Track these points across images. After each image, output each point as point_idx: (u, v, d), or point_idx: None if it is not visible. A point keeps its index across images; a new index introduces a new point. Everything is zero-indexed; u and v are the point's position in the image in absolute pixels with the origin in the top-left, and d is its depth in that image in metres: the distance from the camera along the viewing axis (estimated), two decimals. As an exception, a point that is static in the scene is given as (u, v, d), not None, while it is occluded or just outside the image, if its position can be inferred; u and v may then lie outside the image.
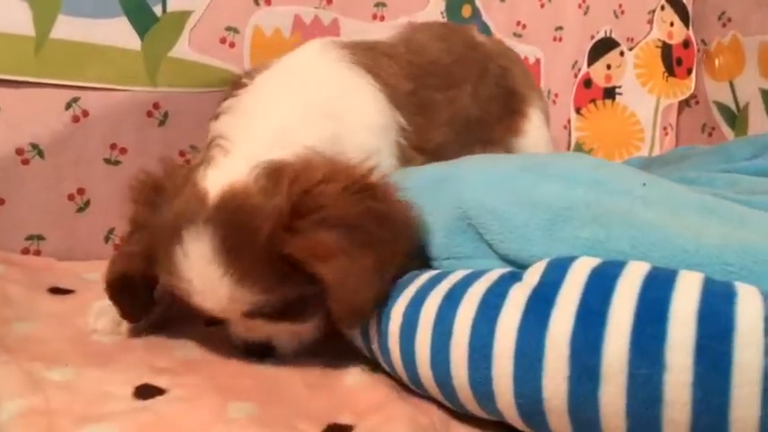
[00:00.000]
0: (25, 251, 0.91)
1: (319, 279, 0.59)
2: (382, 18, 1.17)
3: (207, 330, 0.74)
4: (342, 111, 0.77)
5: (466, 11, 1.27)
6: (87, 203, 0.94)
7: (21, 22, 0.86)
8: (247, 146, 0.67)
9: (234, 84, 0.80)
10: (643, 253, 0.55)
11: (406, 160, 0.83)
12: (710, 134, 1.61)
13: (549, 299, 0.50)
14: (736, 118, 1.55)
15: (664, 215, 0.58)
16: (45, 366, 0.61)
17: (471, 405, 0.55)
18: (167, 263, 0.62)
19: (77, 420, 0.52)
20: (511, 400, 0.51)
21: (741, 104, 1.54)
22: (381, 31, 0.94)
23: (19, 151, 0.89)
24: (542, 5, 1.38)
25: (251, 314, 0.64)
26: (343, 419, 0.57)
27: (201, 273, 0.61)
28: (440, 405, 0.59)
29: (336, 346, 0.69)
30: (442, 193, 0.69)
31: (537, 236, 0.59)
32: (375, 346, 0.63)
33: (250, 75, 0.80)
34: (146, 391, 0.58)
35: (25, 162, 0.89)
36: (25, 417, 0.52)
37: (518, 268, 0.61)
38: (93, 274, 0.88)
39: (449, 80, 0.92)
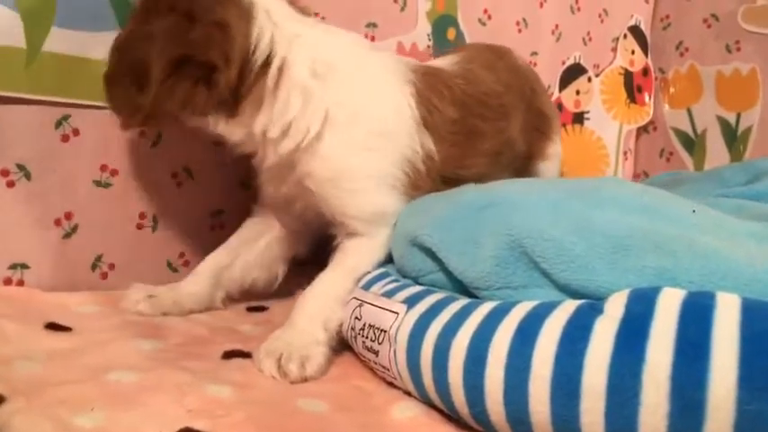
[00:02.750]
0: (7, 281, 0.83)
1: None
2: (372, 39, 1.15)
3: (237, 363, 0.70)
4: (351, 96, 0.80)
5: (450, 34, 1.27)
6: (75, 228, 0.87)
7: (11, 33, 0.79)
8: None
9: None
10: (713, 283, 0.55)
11: (414, 186, 0.82)
12: (668, 159, 1.67)
13: (641, 332, 0.49)
14: (694, 144, 1.61)
15: (722, 242, 0.58)
16: (70, 412, 0.56)
17: (552, 443, 0.52)
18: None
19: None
20: (603, 438, 0.49)
21: (699, 131, 1.60)
22: (443, 60, 0.97)
23: (4, 173, 0.81)
24: (520, 31, 1.39)
25: None
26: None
27: None
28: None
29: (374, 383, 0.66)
30: (487, 220, 0.67)
31: (600, 265, 0.58)
32: (429, 384, 0.60)
33: None
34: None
35: (11, 184, 0.82)
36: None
37: (580, 298, 0.59)
38: (87, 306, 0.82)
39: (499, 110, 0.93)
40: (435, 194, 0.80)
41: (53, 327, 0.74)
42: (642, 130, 1.71)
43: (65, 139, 0.85)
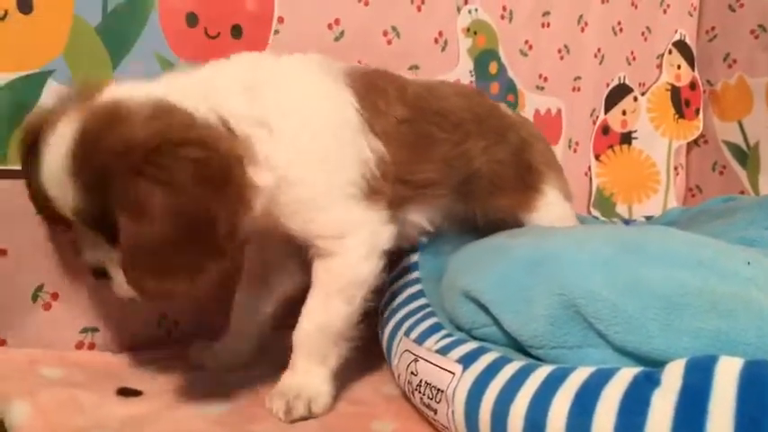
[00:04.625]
0: (79, 345, 0.87)
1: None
2: (415, 80, 1.16)
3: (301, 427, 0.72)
4: (293, 114, 0.75)
5: (492, 68, 1.27)
6: (139, 290, 0.91)
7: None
8: (172, 81, 0.72)
9: None
10: (771, 344, 0.55)
11: (373, 190, 0.79)
12: (721, 173, 1.64)
13: (700, 406, 0.49)
14: (747, 156, 1.58)
15: (780, 299, 0.58)
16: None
17: None
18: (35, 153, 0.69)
19: None
20: None
21: (751, 143, 1.57)
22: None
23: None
24: (562, 57, 1.39)
25: (79, 217, 0.67)
26: None
27: (50, 163, 0.66)
28: None
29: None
30: (538, 277, 0.68)
31: (655, 327, 0.59)
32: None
33: None
34: None
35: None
36: None
37: (636, 359, 0.60)
38: (154, 365, 0.86)
39: (458, 129, 0.90)
40: (480, 245, 0.80)
41: (125, 392, 0.77)
42: (693, 144, 1.68)
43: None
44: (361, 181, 0.77)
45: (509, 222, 0.97)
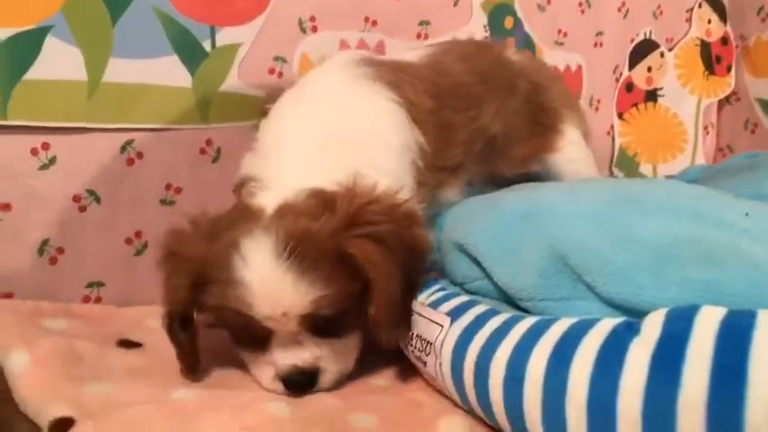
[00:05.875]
0: (86, 299, 0.89)
1: (370, 280, 0.66)
2: (426, 36, 1.14)
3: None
4: (360, 138, 0.77)
5: (508, 22, 1.24)
6: (145, 246, 0.93)
7: (73, 67, 0.84)
8: (278, 184, 0.71)
9: (260, 112, 0.83)
10: (762, 296, 0.52)
11: (419, 183, 0.81)
12: (753, 131, 1.58)
13: (677, 356, 0.47)
14: (780, 114, 1.52)
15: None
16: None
17: (591, 465, 0.52)
18: (224, 277, 0.65)
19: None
20: (640, 464, 0.48)
21: (785, 100, 1.51)
22: (412, 53, 0.94)
23: (76, 198, 0.87)
24: (583, 12, 1.35)
25: (306, 322, 0.67)
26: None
27: (263, 274, 0.64)
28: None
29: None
30: (528, 229, 0.66)
31: (644, 278, 0.57)
32: (473, 399, 0.61)
33: (272, 96, 0.83)
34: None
35: (83, 209, 0.87)
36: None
37: (624, 311, 0.58)
38: (157, 320, 0.87)
39: (470, 101, 0.91)
40: (477, 199, 0.79)
41: (125, 344, 0.79)
42: (724, 101, 1.62)
43: (130, 162, 0.90)
44: (412, 179, 0.80)
45: (533, 176, 0.98)
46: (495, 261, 0.68)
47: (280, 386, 0.69)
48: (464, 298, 0.69)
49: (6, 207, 0.83)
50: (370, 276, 0.66)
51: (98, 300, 0.90)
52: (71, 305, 0.86)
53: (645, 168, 1.52)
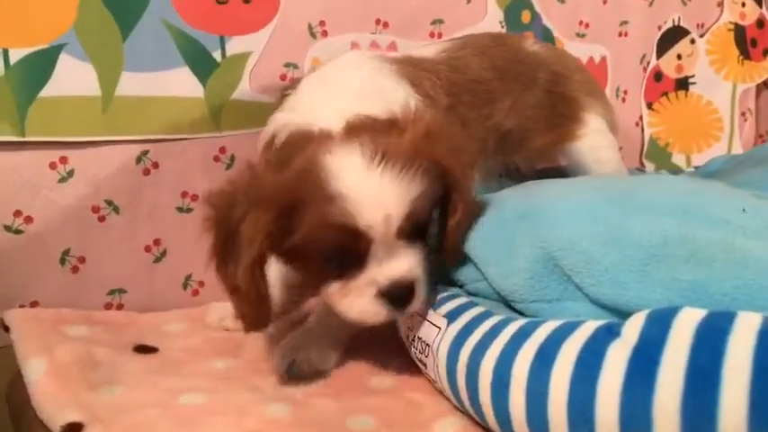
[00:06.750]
0: (108, 306, 0.92)
1: (453, 188, 0.69)
2: (440, 36, 1.14)
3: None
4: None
5: (525, 17, 1.23)
6: (164, 253, 0.95)
7: (87, 83, 0.87)
8: (327, 117, 0.70)
9: (280, 97, 0.83)
10: (749, 296, 0.52)
11: None
12: (795, 115, 1.53)
13: (652, 360, 0.47)
14: (822, 98, 1.46)
15: (768, 247, 0.54)
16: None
17: (575, 468, 0.52)
18: (316, 196, 0.63)
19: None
20: (619, 467, 0.48)
21: (826, 83, 1.45)
22: (427, 49, 0.94)
23: (95, 209, 0.90)
24: (605, 2, 1.32)
25: (405, 226, 0.65)
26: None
27: (361, 181, 0.63)
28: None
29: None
30: (522, 230, 0.66)
31: (630, 278, 0.56)
32: (466, 401, 0.61)
33: (293, 85, 0.83)
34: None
35: (102, 219, 0.91)
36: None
37: (612, 313, 0.58)
38: (174, 324, 0.90)
39: (485, 97, 0.91)
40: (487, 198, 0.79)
41: (141, 349, 0.81)
42: (763, 86, 1.57)
43: (146, 172, 0.93)
44: None
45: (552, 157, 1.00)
46: (489, 262, 0.68)
47: (381, 306, 0.67)
48: (462, 300, 0.69)
49: (29, 219, 0.86)
50: (455, 183, 0.68)
51: (120, 306, 0.93)
52: (93, 312, 0.89)
53: (678, 158, 1.48)
